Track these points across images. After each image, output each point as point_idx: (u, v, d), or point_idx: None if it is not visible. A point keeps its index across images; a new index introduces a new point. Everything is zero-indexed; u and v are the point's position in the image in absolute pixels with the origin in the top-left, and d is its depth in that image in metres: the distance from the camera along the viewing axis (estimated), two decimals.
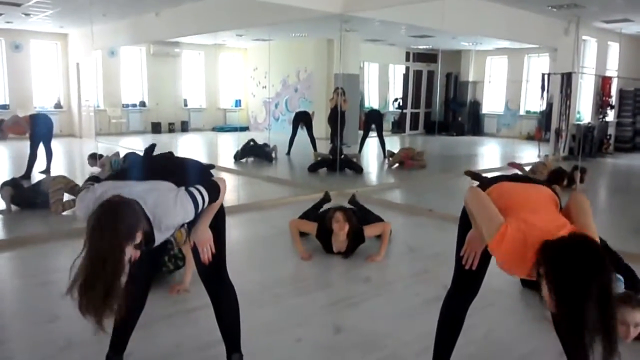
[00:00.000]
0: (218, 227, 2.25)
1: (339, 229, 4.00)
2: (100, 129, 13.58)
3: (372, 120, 10.97)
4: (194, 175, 2.21)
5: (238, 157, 9.60)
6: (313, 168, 8.44)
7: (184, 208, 1.98)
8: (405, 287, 3.62)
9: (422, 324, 2.98)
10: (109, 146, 11.76)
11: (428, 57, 16.32)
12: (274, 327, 2.93)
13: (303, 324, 3.00)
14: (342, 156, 8.46)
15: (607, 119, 11.83)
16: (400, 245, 4.57)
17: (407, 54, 15.89)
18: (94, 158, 8.13)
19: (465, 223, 2.22)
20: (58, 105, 13.74)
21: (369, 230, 4.17)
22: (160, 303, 3.21)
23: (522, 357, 2.70)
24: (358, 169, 8.35)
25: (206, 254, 2.18)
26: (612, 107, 11.85)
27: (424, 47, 15.28)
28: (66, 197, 5.52)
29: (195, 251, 2.22)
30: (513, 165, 7.52)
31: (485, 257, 2.17)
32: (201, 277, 2.32)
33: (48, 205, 5.41)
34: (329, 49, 12.95)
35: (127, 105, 14.42)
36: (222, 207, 2.28)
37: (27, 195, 5.58)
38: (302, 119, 10.58)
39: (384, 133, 11.00)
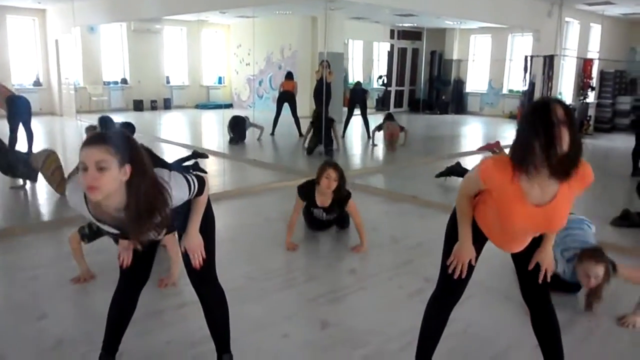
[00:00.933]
0: (208, 230, 2.29)
1: (327, 186, 4.06)
2: (80, 107, 13.38)
3: (356, 98, 10.93)
4: (177, 168, 2.25)
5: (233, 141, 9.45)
6: (310, 150, 8.44)
7: (179, 185, 1.99)
8: (389, 279, 3.72)
9: (405, 319, 3.08)
10: (90, 124, 11.63)
11: (413, 34, 16.27)
12: (261, 323, 3.00)
13: (289, 319, 3.08)
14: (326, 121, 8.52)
15: (588, 100, 11.99)
16: (384, 234, 4.66)
17: (392, 31, 15.83)
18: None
19: (453, 226, 2.27)
20: (37, 83, 13.51)
21: (353, 207, 4.20)
22: (150, 299, 3.26)
23: (501, 350, 2.82)
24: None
25: (197, 260, 2.22)
26: (592, 88, 12.01)
27: (409, 25, 15.22)
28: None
29: (185, 256, 2.26)
30: (486, 147, 7.29)
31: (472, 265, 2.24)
32: (191, 280, 2.36)
33: (27, 176, 5.40)
34: (314, 27, 12.85)
35: (109, 83, 14.20)
36: (210, 210, 2.31)
37: (9, 160, 5.55)
38: (286, 99, 10.54)
39: (368, 111, 11.06)
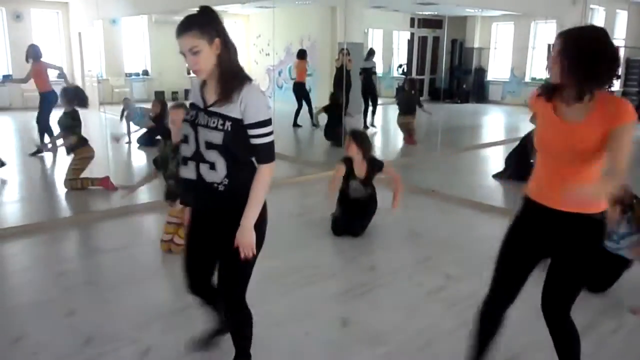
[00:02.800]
0: (261, 231, 2.15)
1: (354, 153, 4.43)
2: (104, 99, 13.58)
3: (366, 87, 10.80)
4: None
5: None
6: (330, 135, 8.49)
7: (258, 96, 2.04)
8: (409, 276, 3.74)
9: (424, 317, 3.12)
10: (113, 116, 11.81)
11: (433, 22, 16.08)
12: (282, 320, 3.06)
13: (311, 316, 3.13)
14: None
15: (613, 88, 11.70)
16: (404, 229, 4.68)
17: (412, 19, 15.66)
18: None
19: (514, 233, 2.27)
20: (61, 75, 13.70)
21: (390, 170, 4.61)
22: (172, 294, 3.35)
23: (517, 352, 2.83)
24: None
25: (246, 254, 2.08)
26: (618, 76, 11.71)
27: (429, 13, 15.04)
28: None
29: (221, 276, 2.23)
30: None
31: (531, 263, 2.21)
32: (223, 297, 2.30)
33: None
34: (333, 17, 12.79)
35: (130, 75, 14.37)
36: (264, 209, 2.15)
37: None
38: (297, 91, 10.55)
39: (388, 100, 11.07)
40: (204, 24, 1.98)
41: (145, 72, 14.60)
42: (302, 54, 10.90)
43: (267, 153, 2.06)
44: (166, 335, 2.86)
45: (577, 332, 2.21)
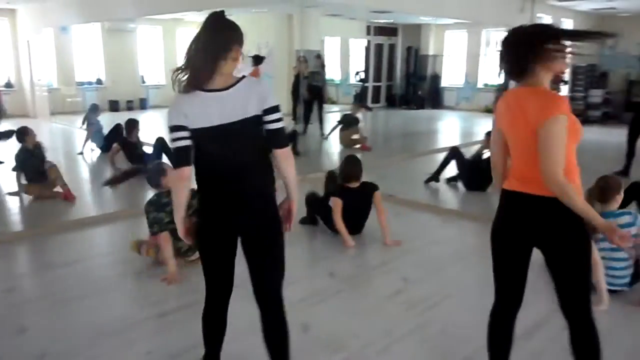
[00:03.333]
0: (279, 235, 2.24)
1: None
2: (55, 108, 13.20)
3: (314, 93, 10.48)
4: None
5: None
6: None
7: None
8: (367, 280, 3.79)
9: (382, 321, 3.16)
10: (64, 126, 11.48)
11: (389, 30, 16.37)
12: (243, 329, 3.02)
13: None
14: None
15: (560, 93, 12.20)
16: (362, 234, 4.72)
17: (368, 27, 15.91)
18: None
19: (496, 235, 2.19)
20: (9, 85, 13.24)
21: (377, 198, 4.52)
22: (131, 309, 3.29)
23: (477, 347, 2.89)
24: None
25: (290, 223, 2.25)
26: (565, 82, 12.22)
27: (385, 21, 15.31)
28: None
29: (256, 271, 2.26)
30: None
31: (525, 262, 2.18)
32: (259, 294, 2.31)
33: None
34: (290, 24, 12.85)
35: (83, 83, 14.03)
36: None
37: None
38: None
39: (345, 107, 11.08)
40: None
41: (99, 81, 14.28)
42: (257, 60, 10.79)
43: (283, 141, 2.15)
44: (120, 351, 2.80)
45: (597, 338, 2.08)
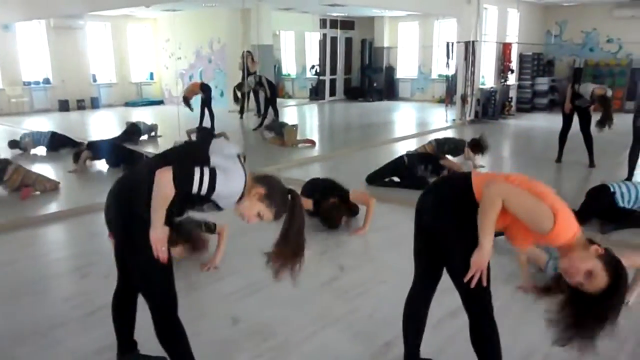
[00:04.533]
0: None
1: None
2: (1, 109, 12.78)
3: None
4: None
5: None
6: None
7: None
8: (304, 269, 3.80)
9: (314, 308, 3.20)
10: (10, 128, 11.11)
11: (344, 23, 16.43)
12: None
13: (202, 317, 3.12)
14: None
15: (509, 82, 12.53)
16: (306, 226, 4.74)
17: (323, 21, 15.92)
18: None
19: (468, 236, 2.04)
20: None
21: (356, 194, 4.69)
22: (57, 310, 3.23)
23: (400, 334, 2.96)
24: None
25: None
26: (512, 71, 12.55)
27: (338, 14, 15.35)
28: None
29: None
30: None
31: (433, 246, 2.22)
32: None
33: None
34: (242, 19, 12.74)
35: (29, 83, 13.59)
36: None
37: None
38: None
39: (302, 101, 11.09)
40: None
41: (47, 80, 13.85)
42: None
43: None
44: (44, 351, 2.76)
45: (494, 338, 2.15)
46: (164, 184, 1.97)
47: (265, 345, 2.81)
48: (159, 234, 2.09)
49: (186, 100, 9.46)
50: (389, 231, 4.62)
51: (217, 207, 2.17)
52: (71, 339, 2.89)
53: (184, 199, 2.07)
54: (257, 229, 4.58)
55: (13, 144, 7.92)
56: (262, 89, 10.17)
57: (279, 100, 11.27)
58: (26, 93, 13.48)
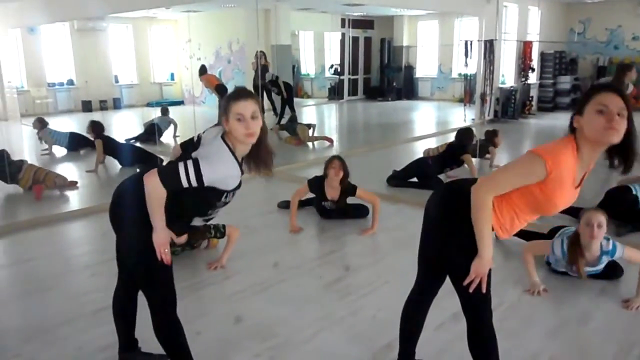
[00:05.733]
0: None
1: (334, 174, 4.52)
2: (26, 110, 13.06)
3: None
4: None
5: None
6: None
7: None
8: (310, 270, 3.82)
9: (317, 309, 3.20)
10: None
11: (364, 23, 16.38)
12: None
13: (205, 316, 3.15)
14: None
15: (529, 81, 12.33)
16: (311, 224, 4.76)
17: (343, 20, 15.88)
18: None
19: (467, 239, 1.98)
20: None
21: (361, 191, 4.65)
22: (64, 307, 3.30)
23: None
24: None
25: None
26: (533, 69, 12.35)
27: (359, 13, 15.32)
28: None
29: None
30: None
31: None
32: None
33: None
34: (260, 19, 12.80)
35: (54, 84, 13.87)
36: None
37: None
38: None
39: (320, 100, 11.11)
40: (258, 99, 2.16)
41: (70, 82, 14.13)
42: (201, 70, 10.71)
43: None
44: (50, 347, 2.82)
45: (491, 344, 2.12)
46: (152, 186, 2.04)
47: (265, 344, 2.82)
48: (161, 238, 2.12)
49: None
50: (395, 232, 4.60)
51: (225, 196, 2.20)
52: (77, 336, 2.95)
53: (190, 197, 2.12)
54: (263, 230, 4.64)
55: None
56: (277, 89, 10.23)
57: (297, 100, 11.35)
58: (50, 94, 13.76)
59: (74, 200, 5.83)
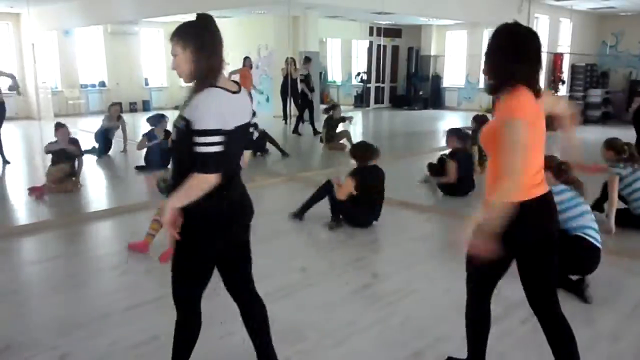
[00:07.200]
0: (191, 237, 2.14)
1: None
2: (59, 110, 13.41)
3: (302, 95, 10.58)
4: None
5: None
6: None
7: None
8: (338, 276, 3.84)
9: (345, 313, 3.21)
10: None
11: (392, 31, 16.42)
12: (206, 323, 3.09)
13: (233, 318, 3.17)
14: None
15: (559, 93, 12.18)
16: (339, 230, 4.77)
17: (371, 28, 15.97)
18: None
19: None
20: (13, 87, 13.42)
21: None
22: (99, 303, 3.37)
23: (431, 342, 2.94)
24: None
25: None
26: (563, 82, 12.20)
27: (387, 22, 15.35)
28: None
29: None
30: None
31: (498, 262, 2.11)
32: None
33: None
34: (289, 26, 12.92)
35: (86, 86, 14.22)
36: (206, 220, 2.14)
37: None
38: None
39: (347, 107, 11.19)
40: (183, 33, 2.10)
41: (102, 83, 14.47)
42: (245, 61, 10.92)
43: (203, 163, 1.95)
44: (84, 342, 2.88)
45: (569, 328, 2.19)
46: (204, 181, 1.99)
47: (294, 348, 2.84)
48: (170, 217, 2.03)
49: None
50: (424, 241, 4.59)
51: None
52: (110, 331, 3.01)
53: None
54: (291, 234, 4.68)
55: None
56: (308, 88, 10.37)
57: (323, 106, 11.40)
58: (83, 95, 14.10)
59: (102, 200, 5.96)
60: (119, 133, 8.61)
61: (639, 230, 4.61)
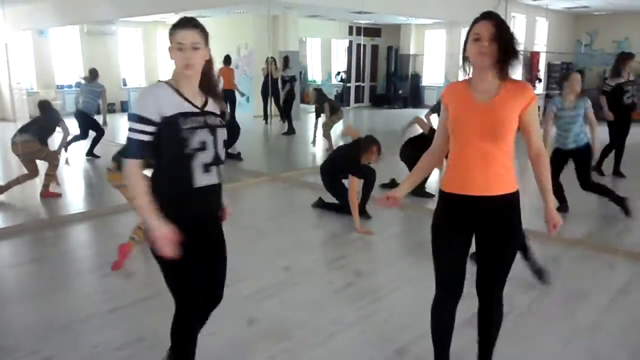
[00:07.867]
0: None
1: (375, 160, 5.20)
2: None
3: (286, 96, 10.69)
4: None
5: None
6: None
7: None
8: (321, 275, 3.86)
9: (328, 313, 3.23)
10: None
11: (372, 31, 16.47)
12: None
13: (218, 318, 3.17)
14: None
15: (536, 92, 12.36)
16: (321, 230, 4.80)
17: (350, 28, 15.99)
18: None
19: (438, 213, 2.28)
20: None
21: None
22: (81, 304, 3.34)
23: (413, 339, 2.97)
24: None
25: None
26: (540, 80, 12.40)
27: (366, 21, 15.40)
28: None
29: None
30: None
31: (464, 253, 2.23)
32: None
33: None
34: (269, 25, 12.89)
35: (62, 87, 13.98)
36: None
37: None
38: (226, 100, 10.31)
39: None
40: (203, 29, 2.11)
41: (79, 84, 14.22)
42: (227, 60, 10.90)
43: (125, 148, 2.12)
44: (66, 345, 2.86)
45: (502, 315, 2.33)
46: (130, 171, 2.05)
47: (278, 347, 2.86)
48: (158, 232, 1.96)
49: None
50: (405, 238, 4.65)
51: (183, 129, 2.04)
52: (93, 334, 2.98)
53: (164, 150, 2.04)
54: (275, 234, 4.68)
55: None
56: (290, 86, 10.39)
57: (303, 106, 11.43)
58: (59, 96, 13.86)
59: (84, 201, 5.88)
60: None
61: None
